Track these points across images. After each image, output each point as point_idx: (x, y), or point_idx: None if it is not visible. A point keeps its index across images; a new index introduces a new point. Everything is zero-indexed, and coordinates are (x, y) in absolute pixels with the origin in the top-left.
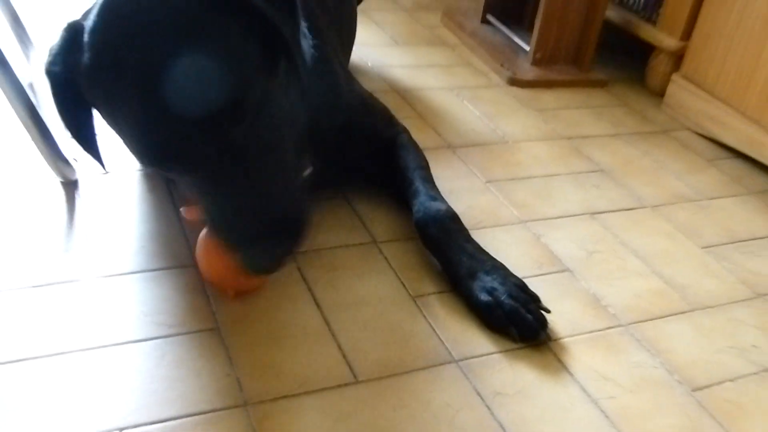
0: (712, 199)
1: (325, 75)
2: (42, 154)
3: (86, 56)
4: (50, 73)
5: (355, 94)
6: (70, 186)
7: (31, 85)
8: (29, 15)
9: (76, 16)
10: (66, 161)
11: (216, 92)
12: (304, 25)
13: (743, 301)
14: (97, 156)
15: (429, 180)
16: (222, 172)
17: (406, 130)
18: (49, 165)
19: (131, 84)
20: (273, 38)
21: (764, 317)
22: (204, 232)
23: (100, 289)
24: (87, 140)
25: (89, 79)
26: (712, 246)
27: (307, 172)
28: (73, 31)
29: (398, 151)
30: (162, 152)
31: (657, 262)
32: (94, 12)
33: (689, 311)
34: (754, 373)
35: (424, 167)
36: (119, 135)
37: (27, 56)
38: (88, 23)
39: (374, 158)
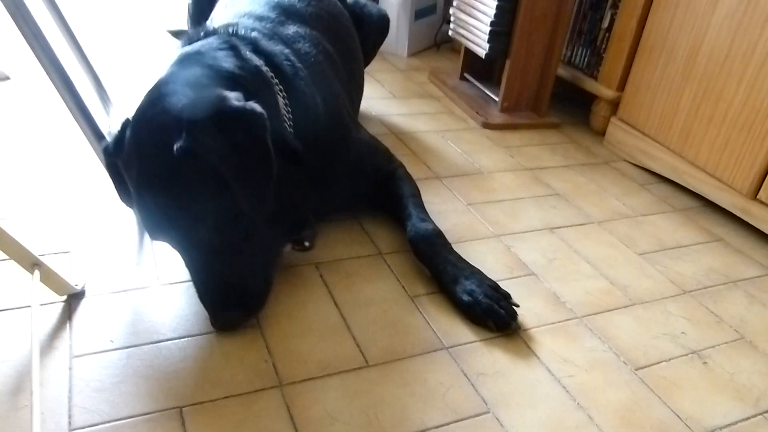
0: (645, 215)
1: (337, 125)
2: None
3: (124, 151)
4: (105, 152)
5: (362, 139)
6: None
7: (110, 134)
8: (109, 78)
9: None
10: None
11: (173, 216)
12: (324, 90)
13: (673, 296)
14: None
15: (419, 205)
16: (191, 257)
17: (402, 165)
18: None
19: (134, 189)
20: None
21: (690, 310)
22: None
23: (164, 295)
24: (130, 202)
25: (123, 167)
26: (647, 253)
27: (307, 244)
28: (123, 129)
29: (396, 182)
30: (150, 234)
31: (603, 266)
32: (132, 120)
33: (630, 305)
34: (684, 355)
35: (416, 195)
36: None
37: (107, 111)
38: (131, 125)
39: (377, 188)
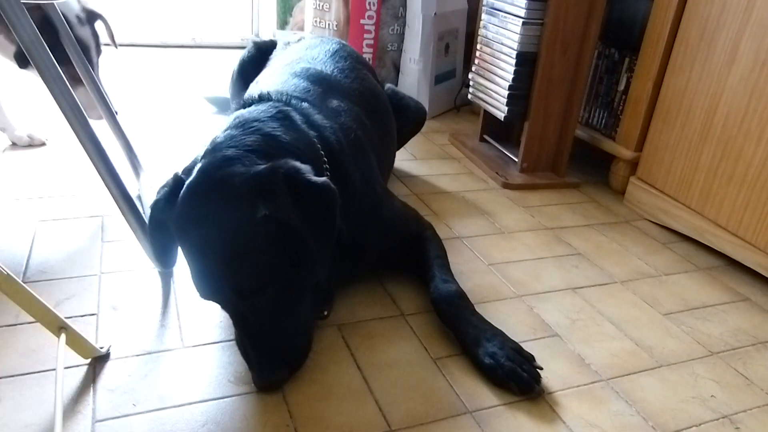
0: (668, 274)
1: (372, 199)
2: (144, 249)
3: (177, 210)
4: (155, 207)
5: (393, 209)
6: (166, 275)
7: (138, 197)
8: (141, 143)
9: (184, 161)
10: None
11: (242, 279)
12: (361, 165)
13: (700, 358)
14: (163, 257)
15: (444, 266)
16: (243, 316)
17: (431, 227)
18: (150, 258)
19: (194, 250)
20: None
21: (719, 372)
22: None
23: (188, 357)
24: (166, 262)
25: (176, 226)
26: (671, 313)
27: (325, 313)
28: (175, 185)
29: (423, 243)
30: (204, 294)
31: (628, 327)
32: (191, 179)
33: (657, 367)
34: (715, 420)
35: (442, 256)
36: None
37: (137, 176)
38: (187, 183)
39: (405, 251)
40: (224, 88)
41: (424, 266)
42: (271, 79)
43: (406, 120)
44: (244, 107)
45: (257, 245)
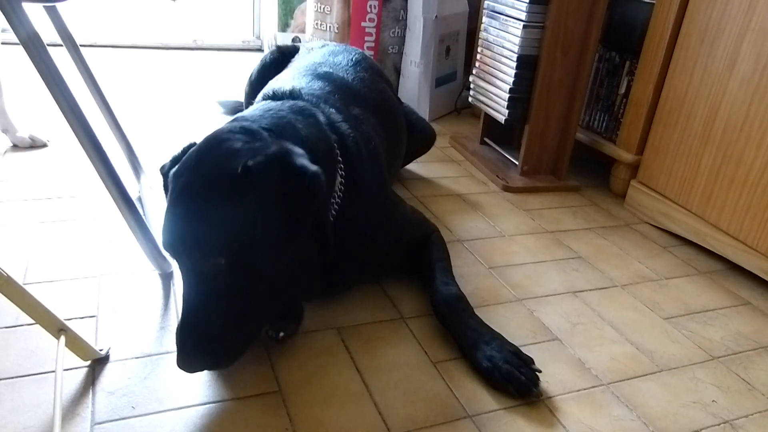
0: (668, 278)
1: (383, 208)
2: (144, 251)
3: (179, 164)
4: (162, 168)
5: (403, 211)
6: (166, 277)
7: (139, 199)
8: (140, 146)
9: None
10: (163, 257)
11: (205, 235)
12: (376, 174)
13: (701, 362)
14: (170, 273)
15: (446, 269)
16: (195, 282)
17: (436, 229)
18: (150, 260)
19: (173, 196)
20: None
21: (720, 377)
22: None
23: None
24: None
25: (172, 177)
26: (672, 317)
27: (281, 335)
28: (186, 147)
29: (428, 245)
30: (165, 242)
31: (628, 331)
32: (193, 149)
33: (658, 372)
34: (716, 425)
35: (445, 259)
36: None
37: (137, 178)
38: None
39: (410, 252)
40: (232, 91)
41: (425, 269)
42: (295, 78)
43: (415, 140)
44: (273, 99)
45: (230, 209)
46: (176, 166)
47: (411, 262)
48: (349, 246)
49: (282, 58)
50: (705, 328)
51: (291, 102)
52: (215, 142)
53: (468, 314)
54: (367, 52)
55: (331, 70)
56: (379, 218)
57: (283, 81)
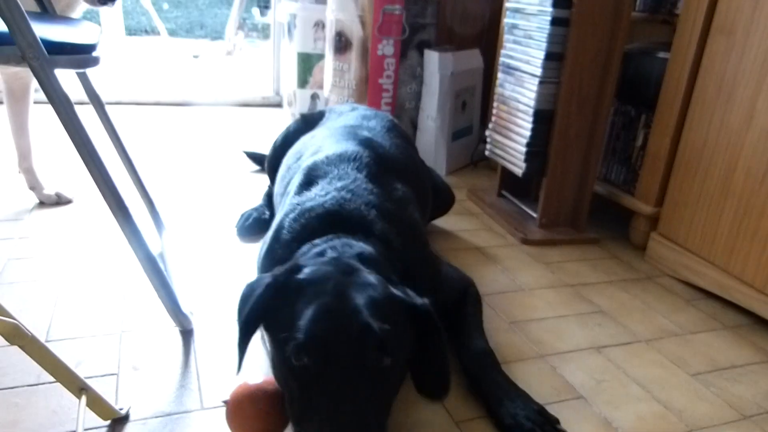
0: (694, 333)
1: (433, 275)
2: (166, 308)
3: (303, 278)
4: (277, 278)
5: (445, 271)
6: (187, 334)
7: (160, 255)
8: (162, 203)
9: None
10: (184, 315)
11: (381, 324)
12: (420, 249)
13: (733, 422)
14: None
15: (478, 324)
16: (349, 393)
17: (472, 283)
18: (171, 317)
19: (332, 295)
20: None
21: None
22: (247, 401)
23: (207, 419)
24: (244, 347)
25: (298, 291)
26: (699, 373)
27: None
28: (297, 267)
29: (464, 299)
30: (323, 355)
31: (655, 389)
32: (315, 266)
33: None
34: None
35: (477, 313)
36: (281, 342)
37: (159, 234)
38: (308, 271)
39: (445, 306)
40: (253, 145)
41: (457, 322)
42: (331, 144)
43: (440, 202)
44: (314, 168)
45: (394, 312)
46: (306, 279)
47: (444, 316)
48: None
49: (306, 126)
50: (734, 386)
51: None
52: (347, 269)
53: (496, 370)
54: (384, 108)
55: (369, 135)
56: (428, 282)
57: (322, 141)
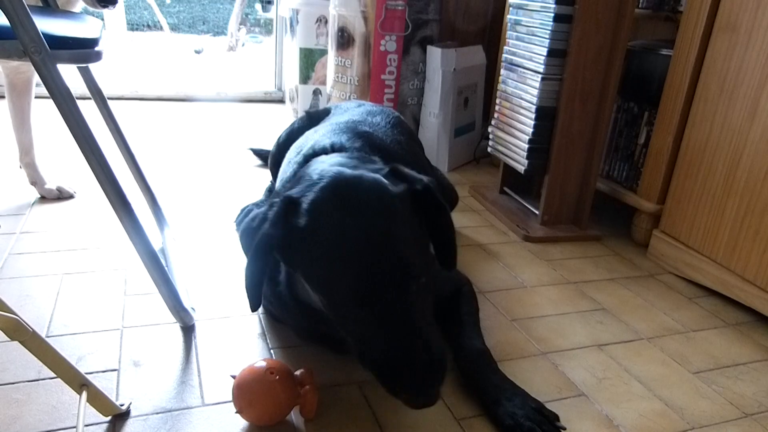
0: (696, 331)
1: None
2: (167, 304)
3: (303, 220)
4: (269, 235)
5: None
6: (188, 330)
7: (162, 251)
8: (164, 198)
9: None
10: (185, 310)
11: (409, 253)
12: None
13: (735, 420)
14: (257, 295)
15: (474, 324)
16: (397, 314)
17: (468, 282)
18: (172, 313)
19: (347, 233)
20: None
21: None
22: (257, 375)
23: (208, 415)
24: (257, 286)
25: (302, 237)
26: (701, 371)
27: None
28: (291, 202)
29: (458, 299)
30: (362, 290)
31: (656, 386)
32: (315, 189)
33: (688, 429)
34: None
35: (473, 313)
36: (314, 281)
37: (161, 230)
38: (308, 197)
39: (439, 305)
40: (256, 140)
41: (452, 322)
42: (335, 134)
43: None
44: (314, 155)
45: (411, 225)
46: (311, 208)
47: (439, 315)
48: None
49: (310, 124)
50: (736, 384)
51: (342, 155)
52: (352, 180)
53: (491, 370)
54: (387, 104)
55: (370, 130)
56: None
57: (322, 135)
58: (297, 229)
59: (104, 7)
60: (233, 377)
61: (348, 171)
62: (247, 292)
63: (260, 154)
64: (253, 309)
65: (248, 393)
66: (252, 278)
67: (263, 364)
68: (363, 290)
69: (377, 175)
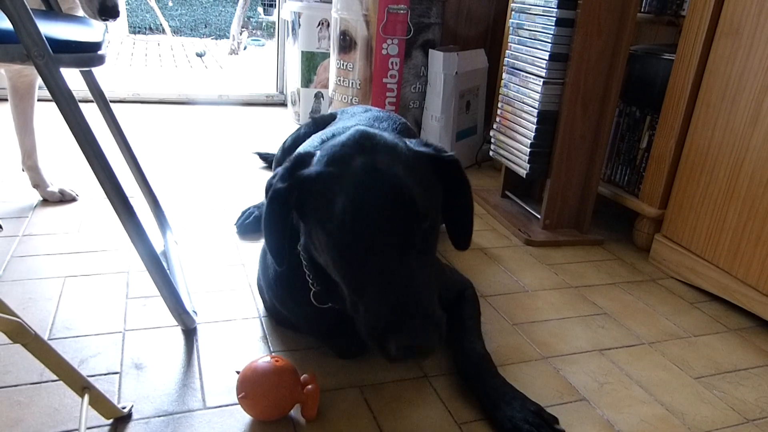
0: (697, 336)
1: None
2: (169, 307)
3: (314, 168)
4: (277, 190)
5: (439, 270)
6: (190, 332)
7: (164, 254)
8: (166, 201)
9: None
10: (187, 313)
11: (420, 196)
12: None
13: (736, 425)
14: (281, 253)
15: (474, 328)
16: (400, 259)
17: (471, 285)
18: (174, 316)
19: (359, 175)
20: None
21: None
22: (263, 368)
23: (209, 419)
24: (279, 244)
25: (312, 181)
26: (703, 377)
27: None
28: (302, 157)
29: (460, 302)
30: (368, 230)
31: (658, 391)
32: (332, 142)
33: None
34: None
35: (474, 317)
36: (323, 225)
37: (163, 233)
38: (324, 149)
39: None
40: (259, 143)
41: (453, 326)
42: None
43: None
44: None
45: (424, 180)
46: (328, 156)
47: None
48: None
49: (316, 129)
50: (738, 389)
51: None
52: (368, 133)
53: (491, 374)
54: (388, 108)
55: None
56: None
57: (329, 134)
58: (307, 178)
59: (105, 20)
60: (238, 372)
61: (368, 129)
62: (270, 253)
63: (265, 157)
64: (279, 266)
65: (253, 383)
66: (271, 237)
67: (269, 359)
68: (367, 226)
69: (398, 136)
